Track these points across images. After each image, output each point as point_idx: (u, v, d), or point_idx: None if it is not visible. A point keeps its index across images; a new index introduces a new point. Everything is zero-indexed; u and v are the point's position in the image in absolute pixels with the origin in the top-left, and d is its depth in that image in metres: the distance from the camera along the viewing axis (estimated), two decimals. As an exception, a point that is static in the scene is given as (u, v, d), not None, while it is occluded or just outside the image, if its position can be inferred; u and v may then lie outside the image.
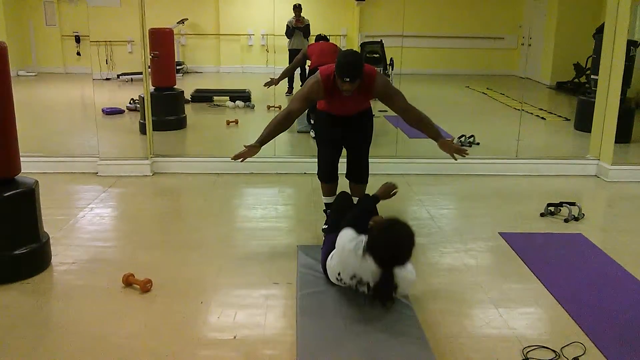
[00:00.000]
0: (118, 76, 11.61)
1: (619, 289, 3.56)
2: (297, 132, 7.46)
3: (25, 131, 4.02)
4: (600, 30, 6.69)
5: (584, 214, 4.75)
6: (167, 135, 7.15)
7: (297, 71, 8.72)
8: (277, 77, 7.17)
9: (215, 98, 9.70)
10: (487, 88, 11.48)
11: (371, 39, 10.64)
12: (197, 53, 13.28)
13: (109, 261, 3.84)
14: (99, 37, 11.67)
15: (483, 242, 4.25)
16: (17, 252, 3.50)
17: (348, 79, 3.55)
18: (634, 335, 3.02)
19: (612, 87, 5.90)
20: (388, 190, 3.68)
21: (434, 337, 2.94)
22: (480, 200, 5.29)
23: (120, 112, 8.68)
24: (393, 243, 2.85)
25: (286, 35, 9.91)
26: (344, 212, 3.52)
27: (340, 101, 3.83)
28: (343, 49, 9.52)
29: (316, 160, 4.26)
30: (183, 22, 12.63)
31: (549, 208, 4.83)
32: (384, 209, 4.82)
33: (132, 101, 8.80)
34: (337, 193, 4.13)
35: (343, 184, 4.27)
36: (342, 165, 4.24)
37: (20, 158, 3.62)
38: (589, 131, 6.35)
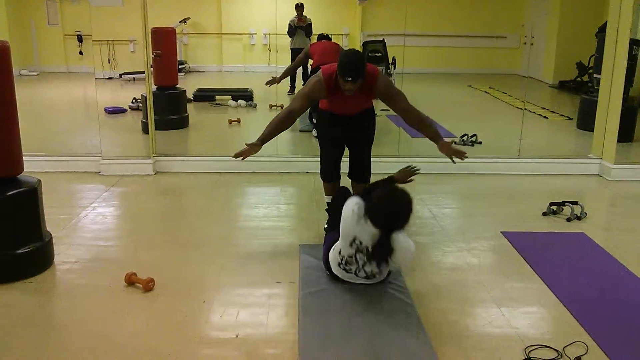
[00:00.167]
0: (120, 75, 11.61)
1: (622, 288, 3.56)
2: (299, 131, 7.46)
3: (28, 130, 4.02)
4: (602, 29, 6.68)
5: (586, 213, 4.75)
6: (170, 134, 7.16)
7: (299, 70, 8.72)
8: (279, 76, 7.17)
9: (217, 97, 9.70)
10: (490, 87, 11.47)
11: (373, 38, 10.64)
12: (199, 52, 13.28)
13: (112, 260, 3.84)
14: (101, 37, 11.63)
15: (485, 241, 4.25)
16: (19, 251, 3.50)
17: (350, 79, 3.55)
18: (637, 335, 3.02)
19: (615, 86, 5.89)
20: (406, 175, 3.66)
21: (436, 336, 2.94)
22: (483, 200, 5.29)
23: (123, 111, 8.69)
24: (391, 208, 3.01)
25: (288, 35, 9.90)
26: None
27: (342, 100, 3.83)
28: (345, 48, 9.55)
29: (318, 159, 4.26)
30: (185, 21, 12.63)
31: (552, 207, 4.83)
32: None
33: (134, 100, 8.81)
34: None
35: (345, 183, 4.27)
36: (345, 165, 4.25)
37: (23, 157, 3.62)
38: (592, 130, 6.34)
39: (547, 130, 8.26)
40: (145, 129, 6.62)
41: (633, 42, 6.25)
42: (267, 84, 7.10)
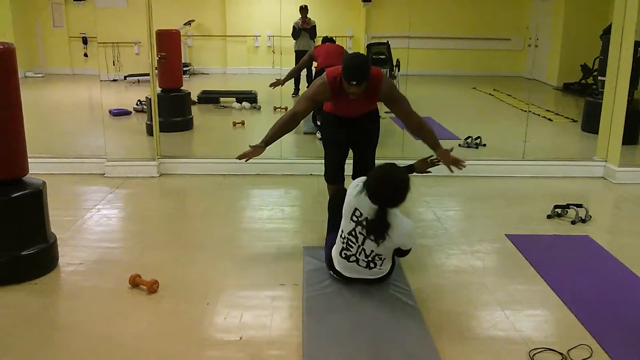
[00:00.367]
0: (125, 77, 11.65)
1: (626, 291, 3.55)
2: (303, 133, 7.47)
3: (33, 132, 4.04)
4: (607, 31, 6.67)
5: (590, 216, 4.74)
6: (174, 136, 7.17)
7: (304, 72, 8.74)
8: (283, 78, 7.18)
9: (221, 99, 9.71)
10: (494, 89, 11.46)
11: (377, 40, 10.62)
12: (203, 54, 13.31)
13: (116, 262, 3.85)
14: (106, 39, 11.72)
15: (489, 244, 4.25)
16: (24, 252, 3.51)
17: (355, 82, 3.56)
18: (641, 338, 3.01)
19: (620, 88, 5.88)
20: (425, 166, 3.73)
21: (439, 338, 2.93)
22: (487, 202, 5.28)
23: (127, 113, 8.71)
24: (386, 184, 3.12)
25: (292, 37, 9.93)
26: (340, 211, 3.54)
27: (346, 103, 3.83)
28: (349, 51, 9.56)
29: (322, 161, 4.26)
30: (190, 24, 12.67)
31: (556, 210, 4.82)
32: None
33: (139, 102, 8.83)
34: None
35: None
36: (349, 167, 4.25)
37: (28, 159, 3.64)
38: (596, 132, 6.32)
39: (551, 133, 8.24)
40: (149, 131, 6.64)
41: (638, 44, 6.24)
42: (271, 86, 7.11)
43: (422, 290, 3.47)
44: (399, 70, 9.42)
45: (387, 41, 10.08)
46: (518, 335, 3.03)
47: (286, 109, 7.89)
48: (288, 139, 6.45)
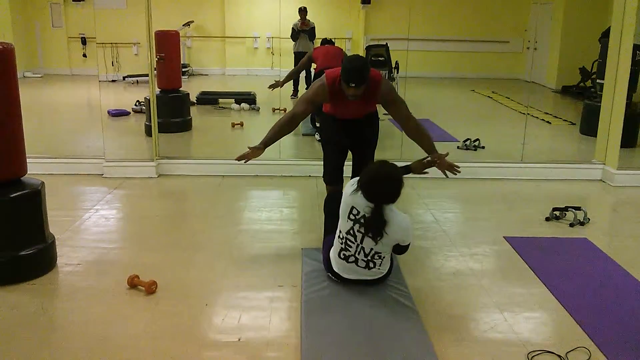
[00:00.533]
0: (124, 78, 11.65)
1: (624, 294, 3.55)
2: (302, 135, 7.47)
3: (32, 132, 4.03)
4: (606, 35, 6.68)
5: (589, 219, 4.74)
6: (173, 137, 7.17)
7: (303, 74, 8.74)
8: (282, 80, 7.18)
9: (220, 100, 9.72)
10: (493, 92, 11.47)
11: (376, 42, 10.63)
12: (202, 55, 13.31)
13: (114, 263, 3.85)
14: (105, 39, 11.73)
15: (488, 246, 4.25)
16: (22, 252, 3.51)
17: (353, 84, 3.56)
18: (639, 340, 3.02)
19: (618, 91, 5.89)
20: (422, 166, 3.72)
21: (438, 340, 2.94)
22: (485, 204, 5.29)
23: (126, 114, 8.71)
24: (376, 179, 3.16)
25: (291, 38, 9.93)
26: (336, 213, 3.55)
27: (345, 105, 3.83)
28: (348, 53, 9.56)
29: (321, 162, 4.26)
30: (189, 25, 12.67)
31: (555, 212, 4.82)
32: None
33: (137, 103, 8.83)
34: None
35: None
36: (348, 169, 4.25)
37: (27, 159, 3.63)
38: (595, 135, 6.33)
39: (550, 136, 8.25)
40: (148, 132, 6.64)
41: (636, 48, 6.25)
42: (270, 87, 7.11)
43: (421, 292, 3.47)
44: (397, 73, 9.43)
45: (386, 43, 10.09)
46: (516, 337, 3.03)
47: (285, 110, 7.89)
48: (287, 141, 6.44)
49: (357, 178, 3.28)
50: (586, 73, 10.92)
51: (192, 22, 12.77)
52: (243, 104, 9.35)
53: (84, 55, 13.22)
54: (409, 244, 3.32)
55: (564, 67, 11.82)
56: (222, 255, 3.98)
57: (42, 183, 3.69)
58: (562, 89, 11.80)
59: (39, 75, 12.94)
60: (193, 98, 9.05)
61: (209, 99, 9.70)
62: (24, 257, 3.51)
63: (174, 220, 4.80)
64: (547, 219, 4.80)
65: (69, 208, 4.89)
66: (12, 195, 3.46)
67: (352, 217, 3.21)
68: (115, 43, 12.02)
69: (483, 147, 6.94)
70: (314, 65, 7.59)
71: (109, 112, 8.42)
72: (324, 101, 3.91)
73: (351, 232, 3.22)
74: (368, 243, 3.19)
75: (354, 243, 3.23)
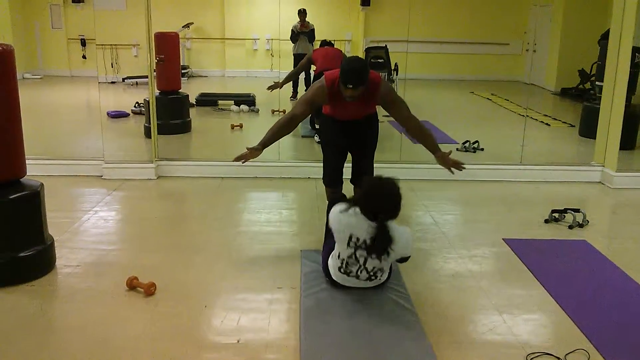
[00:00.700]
0: (123, 80, 11.66)
1: (623, 296, 3.55)
2: (301, 136, 7.47)
3: (31, 134, 4.03)
4: (605, 37, 6.69)
5: (588, 221, 4.74)
6: (172, 139, 7.16)
7: (302, 75, 8.75)
8: (281, 81, 7.18)
9: (220, 102, 9.72)
10: (492, 94, 11.48)
11: (376, 44, 10.66)
12: (202, 57, 13.32)
13: (113, 264, 3.84)
14: (105, 41, 11.73)
15: (487, 248, 4.25)
16: (21, 254, 3.50)
17: (351, 86, 3.56)
18: (638, 342, 3.01)
19: (617, 93, 5.89)
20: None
21: (437, 342, 2.93)
22: (485, 206, 5.29)
23: (125, 115, 8.71)
24: (376, 193, 3.06)
25: (291, 40, 9.94)
26: None
27: (344, 106, 3.83)
28: (348, 55, 9.57)
29: (320, 164, 4.26)
30: (188, 26, 12.68)
31: (554, 214, 4.82)
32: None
33: (137, 105, 8.83)
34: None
35: (347, 189, 4.28)
36: (347, 170, 4.25)
37: (26, 160, 3.63)
38: (594, 137, 6.34)
39: (549, 138, 8.26)
40: (147, 134, 6.63)
41: (636, 50, 6.26)
42: (269, 89, 7.12)
43: (420, 294, 3.46)
44: (397, 74, 9.44)
45: (386, 45, 10.11)
46: (515, 339, 3.03)
47: (284, 111, 7.90)
48: (286, 142, 6.45)
49: (341, 204, 3.17)
50: (585, 75, 10.94)
51: (192, 23, 12.77)
52: (242, 106, 9.36)
53: (84, 57, 13.24)
54: (410, 255, 3.29)
55: (563, 69, 11.84)
56: (221, 257, 3.98)
57: (41, 184, 3.69)
58: (562, 91, 11.82)
59: (39, 77, 12.95)
60: (192, 100, 9.05)
61: (208, 101, 9.70)
62: (23, 258, 3.51)
63: (173, 221, 4.80)
64: (546, 221, 4.80)
65: (68, 209, 4.89)
66: (11, 197, 3.46)
67: (352, 244, 3.11)
68: (115, 44, 12.03)
69: (482, 149, 6.94)
70: (313, 67, 7.60)
71: (108, 113, 8.42)
72: (323, 102, 3.91)
73: (353, 257, 3.15)
74: (371, 262, 3.14)
75: (355, 265, 3.18)
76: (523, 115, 7.94)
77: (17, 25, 12.35)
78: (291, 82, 8.14)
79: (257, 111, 9.29)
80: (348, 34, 12.55)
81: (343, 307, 3.16)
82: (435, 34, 12.50)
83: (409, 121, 3.83)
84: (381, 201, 3.05)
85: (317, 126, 6.87)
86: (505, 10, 12.96)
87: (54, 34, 13.39)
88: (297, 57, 9.47)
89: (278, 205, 5.18)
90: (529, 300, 3.47)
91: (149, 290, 3.39)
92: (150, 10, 5.79)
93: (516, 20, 13.00)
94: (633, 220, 5.04)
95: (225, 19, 13.03)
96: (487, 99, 11.22)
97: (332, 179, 4.20)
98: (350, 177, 4.24)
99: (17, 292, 3.42)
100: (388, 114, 3.92)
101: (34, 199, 3.58)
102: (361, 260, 3.15)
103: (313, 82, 5.76)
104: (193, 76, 12.82)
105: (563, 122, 9.05)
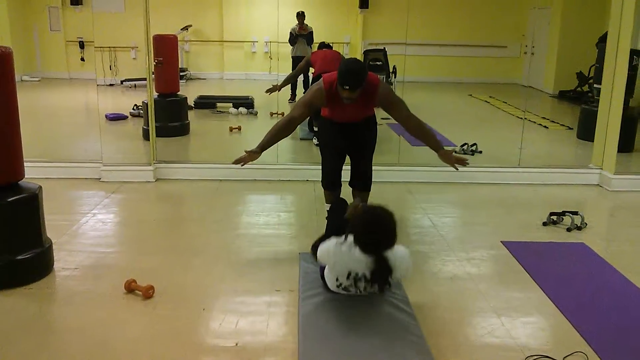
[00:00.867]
0: (122, 82, 11.65)
1: (622, 299, 3.56)
2: (300, 139, 7.47)
3: (29, 136, 4.03)
4: (603, 40, 6.70)
5: (586, 223, 4.75)
6: (170, 141, 7.16)
7: (300, 78, 8.75)
8: (279, 84, 7.19)
9: (218, 104, 9.72)
10: (490, 96, 11.49)
11: (374, 47, 10.67)
12: (200, 59, 13.32)
13: (112, 267, 3.84)
14: (103, 43, 11.72)
15: (485, 251, 4.25)
16: (19, 257, 3.50)
17: (348, 87, 3.56)
18: (637, 345, 3.01)
19: (615, 96, 5.90)
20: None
21: (436, 345, 2.93)
22: (483, 209, 5.29)
23: (124, 118, 8.71)
24: (373, 225, 2.89)
25: (289, 43, 9.95)
26: (340, 220, 3.52)
27: (343, 109, 3.84)
28: (346, 57, 9.56)
29: (319, 167, 4.26)
30: (187, 29, 12.68)
31: (552, 217, 4.83)
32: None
33: (135, 107, 8.83)
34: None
35: (346, 192, 4.28)
36: (346, 173, 4.25)
37: (24, 163, 3.63)
38: (592, 140, 6.34)
39: (547, 140, 8.27)
40: (146, 136, 6.64)
41: (633, 53, 6.27)
42: (267, 92, 7.12)
43: (418, 296, 3.46)
44: (395, 77, 9.45)
45: (384, 48, 10.12)
46: (514, 342, 3.03)
47: (282, 114, 7.91)
48: (284, 145, 6.45)
49: (332, 241, 3.04)
50: (583, 78, 10.96)
51: (190, 26, 12.78)
52: (241, 108, 9.36)
53: (82, 59, 13.23)
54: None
55: (562, 71, 11.86)
56: (220, 260, 3.98)
57: (40, 187, 3.68)
58: (560, 93, 11.84)
59: (37, 79, 12.93)
60: (191, 102, 9.06)
61: (206, 103, 9.70)
62: (21, 261, 3.50)
63: (172, 224, 4.79)
64: (545, 224, 4.80)
65: (67, 212, 4.88)
66: (9, 200, 3.45)
67: (351, 278, 3.03)
68: (113, 47, 12.02)
69: (480, 152, 6.95)
70: (311, 70, 7.60)
71: (106, 116, 8.42)
72: (322, 105, 3.92)
73: (353, 286, 3.08)
74: (371, 288, 3.08)
75: (354, 289, 3.11)
76: (521, 118, 7.94)
77: (15, 28, 12.36)
78: (289, 84, 8.14)
79: (256, 114, 9.29)
80: (346, 36, 12.56)
81: (341, 310, 3.16)
82: (433, 37, 12.51)
83: (409, 121, 3.83)
84: (379, 235, 2.90)
85: (315, 129, 6.87)
86: (503, 12, 12.98)
87: (53, 36, 13.38)
88: (296, 60, 9.48)
89: (276, 208, 5.18)
90: (527, 303, 3.47)
91: (147, 293, 3.39)
92: (148, 13, 5.79)
93: (514, 23, 13.02)
94: (631, 222, 5.04)
95: (224, 22, 13.04)
96: (485, 101, 11.23)
97: (330, 182, 4.20)
98: (349, 180, 4.25)
99: (15, 295, 3.42)
100: (386, 117, 3.93)
101: (32, 201, 3.58)
102: (361, 287, 3.07)
103: (311, 84, 5.76)
104: (191, 79, 12.82)
105: (561, 124, 9.06)
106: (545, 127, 8.85)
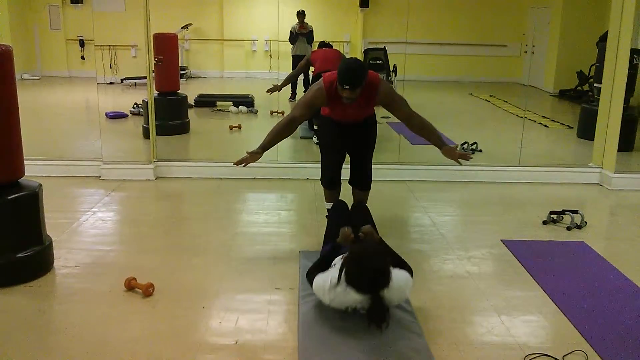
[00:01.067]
0: (122, 80, 11.64)
1: (622, 297, 3.56)
2: (300, 138, 7.47)
3: (29, 134, 4.02)
4: (603, 39, 6.70)
5: (586, 222, 4.75)
6: (170, 139, 7.16)
7: (300, 77, 8.74)
8: (280, 83, 7.18)
9: (218, 103, 9.71)
10: (490, 95, 11.49)
11: (375, 46, 10.67)
12: (200, 58, 13.31)
13: (111, 265, 3.84)
14: (104, 42, 11.71)
15: (485, 250, 4.25)
16: (19, 255, 3.50)
17: (348, 87, 3.55)
18: (637, 344, 3.01)
19: (615, 95, 5.90)
20: (346, 238, 3.48)
21: (435, 344, 2.94)
22: (483, 208, 5.29)
23: (124, 116, 8.70)
24: (367, 271, 2.79)
25: (290, 41, 9.94)
26: (339, 221, 3.51)
27: (343, 108, 3.83)
28: (347, 56, 9.58)
29: (319, 165, 4.26)
30: (187, 27, 12.67)
31: (552, 216, 4.83)
32: (386, 214, 4.83)
33: (135, 105, 8.82)
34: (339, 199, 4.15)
35: (346, 191, 4.28)
36: (345, 172, 4.25)
37: (24, 161, 3.63)
38: (592, 139, 6.34)
39: (547, 139, 8.27)
40: (146, 134, 6.63)
41: (634, 52, 6.27)
42: (268, 91, 7.11)
43: (418, 295, 3.46)
44: (395, 76, 9.45)
45: (384, 46, 10.12)
46: (513, 340, 3.03)
47: (283, 113, 7.90)
48: (285, 144, 6.41)
49: (327, 277, 2.94)
50: (584, 77, 10.95)
51: (191, 24, 12.77)
52: (241, 107, 9.35)
53: (82, 58, 13.22)
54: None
55: (562, 70, 11.85)
56: (220, 258, 3.98)
57: (40, 185, 3.68)
58: (560, 92, 11.83)
59: (37, 77, 12.93)
60: (191, 101, 9.05)
61: (207, 102, 9.69)
62: (21, 259, 3.51)
63: (172, 222, 4.79)
64: (545, 222, 4.80)
65: (67, 210, 4.88)
66: (9, 197, 3.45)
67: (349, 310, 2.95)
68: (114, 45, 12.01)
69: (480, 151, 6.95)
70: (312, 69, 7.60)
71: (106, 114, 8.41)
72: (322, 104, 3.92)
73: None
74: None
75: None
76: (521, 117, 7.94)
77: (15, 26, 12.35)
78: (290, 83, 8.14)
79: (256, 112, 9.28)
80: (347, 35, 12.55)
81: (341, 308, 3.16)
82: (433, 36, 12.50)
83: (411, 118, 3.83)
84: (372, 280, 2.80)
85: (315, 127, 6.87)
86: (503, 12, 12.96)
87: (53, 34, 13.37)
88: (296, 59, 9.47)
89: (277, 206, 5.18)
90: (527, 302, 3.47)
91: (147, 291, 3.39)
92: (148, 12, 5.79)
93: (514, 22, 13.00)
94: (631, 221, 5.04)
95: (224, 20, 13.03)
96: (486, 100, 11.22)
97: (330, 180, 4.20)
98: (349, 179, 4.25)
99: (15, 292, 3.42)
100: (386, 115, 3.92)
101: (33, 199, 3.58)
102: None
103: (311, 83, 5.76)
104: (192, 77, 12.81)
105: (561, 123, 9.06)
106: (545, 126, 8.85)
